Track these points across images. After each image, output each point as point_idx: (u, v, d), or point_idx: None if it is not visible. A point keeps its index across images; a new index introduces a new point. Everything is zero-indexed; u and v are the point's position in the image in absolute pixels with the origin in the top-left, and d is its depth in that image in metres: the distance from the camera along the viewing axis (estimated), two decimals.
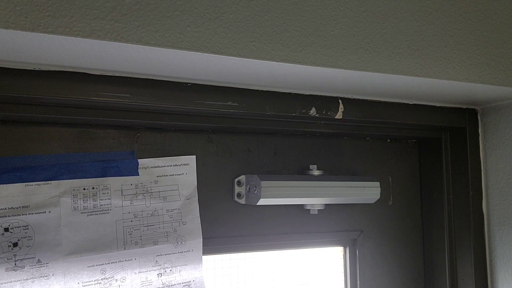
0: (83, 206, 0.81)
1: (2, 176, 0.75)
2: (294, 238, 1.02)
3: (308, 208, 1.00)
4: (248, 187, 0.94)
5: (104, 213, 0.82)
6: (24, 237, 0.76)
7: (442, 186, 1.11)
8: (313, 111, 0.92)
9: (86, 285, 0.80)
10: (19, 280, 0.75)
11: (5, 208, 0.75)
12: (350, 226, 1.08)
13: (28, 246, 0.76)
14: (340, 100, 0.95)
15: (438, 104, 1.06)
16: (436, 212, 1.13)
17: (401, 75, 0.81)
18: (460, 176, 1.09)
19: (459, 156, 1.09)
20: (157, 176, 0.87)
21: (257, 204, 0.91)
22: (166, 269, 0.86)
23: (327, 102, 0.94)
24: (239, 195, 0.95)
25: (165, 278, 0.86)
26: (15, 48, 0.64)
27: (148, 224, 0.86)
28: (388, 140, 1.14)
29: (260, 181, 0.90)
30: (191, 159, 0.91)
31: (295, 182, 0.93)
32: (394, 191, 1.14)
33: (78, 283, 0.79)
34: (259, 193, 0.90)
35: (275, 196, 0.91)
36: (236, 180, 0.95)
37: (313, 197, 0.96)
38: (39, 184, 0.78)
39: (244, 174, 0.96)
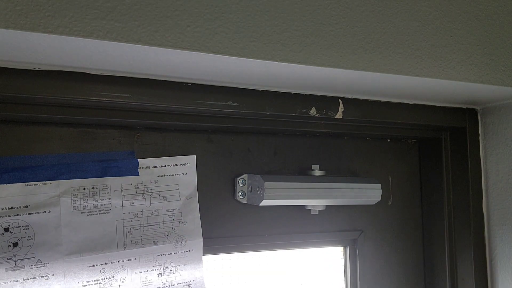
0: (83, 206, 0.81)
1: (2, 176, 0.75)
2: (294, 238, 1.02)
3: (309, 208, 1.00)
4: (250, 186, 0.94)
5: (104, 213, 0.82)
6: (24, 237, 0.76)
7: (442, 186, 1.11)
8: (313, 111, 0.92)
9: (86, 285, 0.80)
10: (19, 280, 0.75)
11: (5, 208, 0.75)
12: (350, 226, 1.08)
13: (28, 246, 0.77)
14: (340, 100, 0.95)
15: (438, 104, 1.06)
16: (436, 212, 1.13)
17: (401, 75, 0.81)
18: (460, 176, 1.09)
19: (459, 156, 1.09)
20: (157, 176, 0.87)
21: (260, 205, 0.91)
22: (166, 269, 0.86)
23: (327, 102, 0.94)
24: (241, 193, 0.95)
25: (165, 278, 0.86)
26: (15, 48, 0.64)
27: (148, 224, 0.86)
28: (388, 140, 1.14)
29: (263, 182, 0.89)
30: (191, 159, 0.91)
31: (298, 183, 0.93)
32: (394, 191, 1.14)
33: (78, 283, 0.79)
34: (262, 194, 0.89)
35: (278, 197, 0.91)
36: (238, 179, 0.95)
37: (316, 198, 0.96)
38: (39, 184, 0.78)
39: (245, 174, 0.95)
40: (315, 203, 0.98)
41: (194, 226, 0.89)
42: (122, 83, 0.77)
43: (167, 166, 0.88)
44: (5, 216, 0.76)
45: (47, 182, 0.79)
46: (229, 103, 0.86)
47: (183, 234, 0.88)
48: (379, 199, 1.02)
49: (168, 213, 0.87)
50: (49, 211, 0.78)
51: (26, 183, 0.77)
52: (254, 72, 0.78)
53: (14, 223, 0.76)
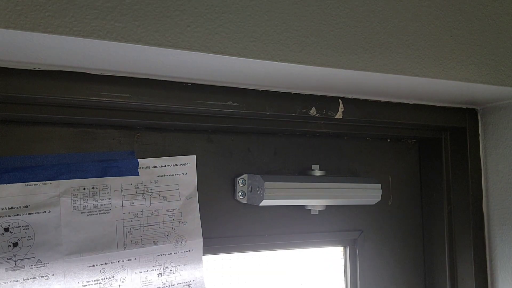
0: (83, 206, 0.81)
1: (2, 176, 0.75)
2: (294, 238, 1.02)
3: (309, 208, 1.00)
4: (250, 186, 0.94)
5: (104, 213, 0.82)
6: (24, 237, 0.76)
7: (442, 186, 1.11)
8: (313, 111, 0.92)
9: (86, 285, 0.80)
10: (19, 280, 0.75)
11: (5, 208, 0.75)
12: (350, 226, 1.08)
13: (28, 246, 0.77)
14: (340, 100, 0.95)
15: (438, 104, 1.06)
16: (436, 212, 1.13)
17: (401, 75, 0.81)
18: (460, 176, 1.09)
19: (459, 156, 1.09)
20: (157, 176, 0.87)
21: (260, 205, 0.91)
22: (166, 269, 0.86)
23: (327, 102, 0.94)
24: (241, 193, 0.95)
25: (165, 278, 0.86)
26: (15, 48, 0.64)
27: (148, 224, 0.86)
28: (388, 140, 1.14)
29: (263, 182, 0.89)
30: (191, 159, 0.91)
31: (298, 183, 0.93)
32: (394, 191, 1.14)
33: (78, 283, 0.79)
34: (262, 194, 0.89)
35: (278, 197, 0.91)
36: (238, 179, 0.95)
37: (316, 198, 0.96)
38: (39, 184, 0.78)
39: (245, 174, 0.95)
40: (315, 203, 0.98)
41: (194, 226, 0.89)
42: (122, 83, 0.77)
43: (167, 166, 0.88)
44: (5, 216, 0.76)
45: (47, 182, 0.79)
46: (229, 103, 0.86)
47: (183, 234, 0.88)
48: (379, 199, 1.02)
49: (168, 213, 0.87)
50: (49, 211, 0.78)
51: (26, 183, 0.77)
52: (254, 72, 0.78)
53: (14, 223, 0.76)
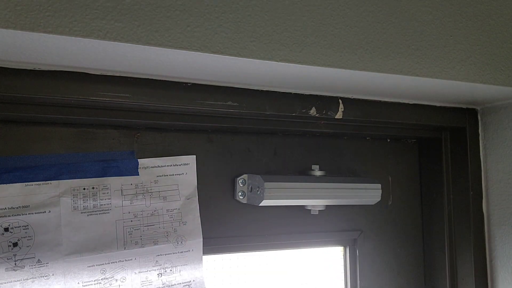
0: (83, 206, 0.81)
1: (2, 176, 0.75)
2: (294, 238, 1.02)
3: (309, 208, 1.00)
4: (250, 186, 0.94)
5: (104, 213, 0.82)
6: (24, 237, 0.76)
7: (442, 186, 1.11)
8: (313, 111, 0.92)
9: (86, 285, 0.80)
10: (19, 280, 0.75)
11: (5, 208, 0.75)
12: (350, 226, 1.08)
13: (28, 246, 0.77)
14: (340, 100, 0.95)
15: (438, 104, 1.06)
16: (436, 212, 1.13)
17: (401, 75, 0.81)
18: (460, 176, 1.09)
19: (459, 156, 1.09)
20: (157, 176, 0.87)
21: (260, 205, 0.91)
22: (166, 269, 0.86)
23: (327, 102, 0.94)
24: (241, 193, 0.95)
25: (165, 278, 0.86)
26: (15, 48, 0.64)
27: (148, 224, 0.86)
28: (388, 140, 1.14)
29: (263, 182, 0.89)
30: (191, 159, 0.91)
31: (298, 183, 0.93)
32: (394, 191, 1.14)
33: (78, 283, 0.79)
34: (262, 194, 0.89)
35: (278, 197, 0.91)
36: (238, 179, 0.95)
37: (316, 198, 0.96)
38: (39, 184, 0.78)
39: (245, 174, 0.95)
40: (315, 203, 0.98)
41: (194, 226, 0.89)
42: (122, 83, 0.77)
43: (167, 166, 0.88)
44: (5, 216, 0.76)
45: (47, 182, 0.79)
46: (229, 103, 0.86)
47: (183, 234, 0.88)
48: (379, 199, 1.02)
49: (168, 213, 0.87)
50: (49, 211, 0.78)
51: (26, 183, 0.77)
52: (254, 72, 0.78)
53: (14, 223, 0.76)
